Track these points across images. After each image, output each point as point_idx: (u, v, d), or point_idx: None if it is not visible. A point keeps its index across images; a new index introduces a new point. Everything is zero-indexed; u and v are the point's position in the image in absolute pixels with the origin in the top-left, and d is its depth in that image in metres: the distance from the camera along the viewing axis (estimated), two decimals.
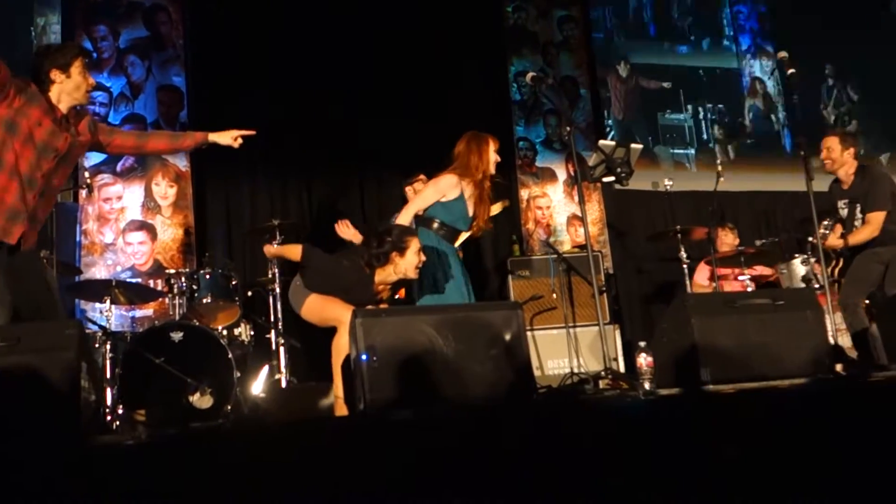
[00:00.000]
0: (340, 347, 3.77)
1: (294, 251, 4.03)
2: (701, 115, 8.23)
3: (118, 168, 6.12)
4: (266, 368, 5.10)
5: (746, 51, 8.59)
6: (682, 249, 6.21)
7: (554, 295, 5.88)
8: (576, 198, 7.04)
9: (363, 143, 6.72)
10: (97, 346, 4.57)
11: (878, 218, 4.88)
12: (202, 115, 6.34)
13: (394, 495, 1.93)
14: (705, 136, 8.22)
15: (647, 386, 3.25)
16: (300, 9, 6.76)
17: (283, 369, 5.08)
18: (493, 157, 4.38)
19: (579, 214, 6.49)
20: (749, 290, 5.96)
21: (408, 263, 3.93)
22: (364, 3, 6.87)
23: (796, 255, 6.20)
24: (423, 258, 4.00)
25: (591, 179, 4.81)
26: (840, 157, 5.07)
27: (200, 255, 6.01)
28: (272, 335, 5.22)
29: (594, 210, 7.41)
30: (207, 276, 5.05)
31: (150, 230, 6.12)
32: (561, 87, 7.66)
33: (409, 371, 2.98)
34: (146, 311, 5.87)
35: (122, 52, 6.37)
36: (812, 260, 5.91)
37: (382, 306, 4.14)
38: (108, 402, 4.37)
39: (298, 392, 4.84)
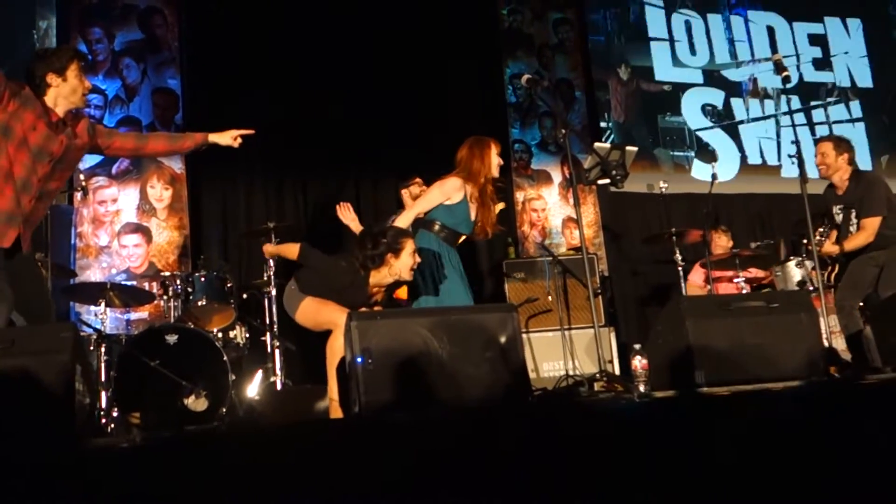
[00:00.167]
0: (335, 350, 3.77)
1: (292, 250, 4.04)
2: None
3: (113, 170, 6.11)
4: (261, 371, 5.10)
5: (752, 54, 8.60)
6: (677, 252, 6.22)
7: (549, 297, 5.88)
8: (571, 200, 7.06)
9: (359, 146, 6.72)
10: (92, 348, 4.56)
11: (873, 223, 4.88)
12: (197, 118, 6.33)
13: (389, 498, 1.93)
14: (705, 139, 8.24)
15: (641, 388, 3.26)
16: (296, 11, 6.76)
17: (278, 372, 5.07)
18: (495, 160, 4.39)
19: (575, 217, 6.51)
20: (744, 292, 5.97)
21: (402, 265, 3.93)
22: (360, 6, 6.87)
23: (791, 258, 6.22)
24: (419, 259, 4.00)
25: (587, 182, 4.82)
26: (834, 163, 5.07)
27: (195, 257, 6.00)
28: (267, 338, 5.22)
29: (589, 212, 7.42)
30: (202, 279, 5.05)
31: (145, 233, 6.11)
32: (556, 90, 7.68)
33: (404, 373, 2.98)
34: (141, 313, 5.86)
35: (117, 54, 6.36)
36: (807, 263, 5.93)
37: (377, 308, 4.13)
38: (103, 404, 4.36)
39: (293, 395, 4.84)
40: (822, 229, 5.05)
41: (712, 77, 8.40)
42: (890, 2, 9.28)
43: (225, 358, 4.47)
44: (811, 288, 5.65)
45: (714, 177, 6.30)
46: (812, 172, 5.11)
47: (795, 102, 8.36)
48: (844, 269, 5.08)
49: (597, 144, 4.80)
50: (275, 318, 5.24)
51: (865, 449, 2.17)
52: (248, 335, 5.20)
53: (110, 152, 3.83)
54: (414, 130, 6.74)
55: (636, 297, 7.46)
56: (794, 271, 6.09)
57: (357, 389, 2.97)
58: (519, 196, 7.34)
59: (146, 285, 5.51)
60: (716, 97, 8.35)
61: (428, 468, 2.00)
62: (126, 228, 6.09)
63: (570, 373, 5.35)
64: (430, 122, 6.83)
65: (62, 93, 3.40)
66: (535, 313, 5.86)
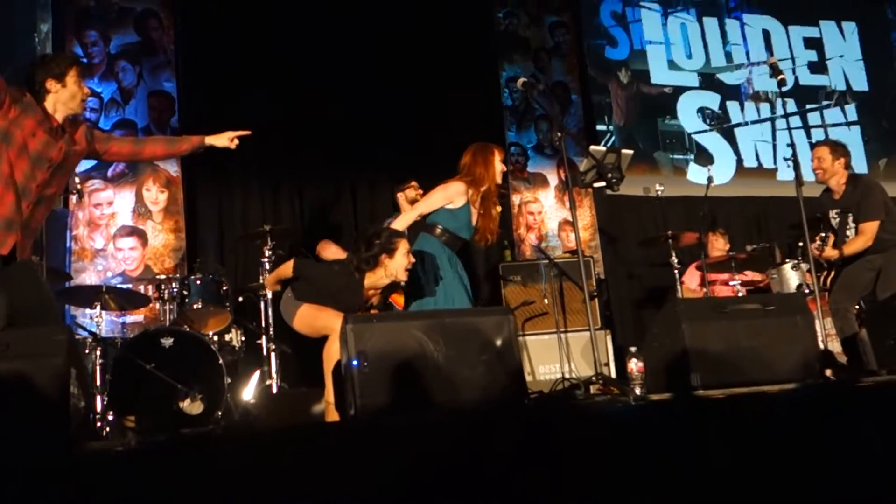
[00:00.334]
0: (332, 353, 3.76)
1: (286, 269, 4.03)
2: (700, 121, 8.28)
3: (109, 173, 6.10)
4: (257, 374, 5.09)
5: (748, 57, 8.63)
6: (674, 255, 6.23)
7: (545, 300, 5.88)
8: (567, 203, 7.06)
9: (355, 149, 6.72)
10: (87, 352, 4.55)
11: (871, 228, 4.89)
12: (193, 121, 6.32)
13: (385, 501, 1.93)
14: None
15: (637, 391, 3.26)
16: (291, 14, 6.76)
17: (273, 375, 5.07)
18: (499, 167, 4.40)
19: (571, 220, 6.51)
20: (740, 295, 5.98)
21: (397, 265, 3.93)
22: (356, 9, 6.88)
23: (787, 261, 6.22)
24: (413, 259, 4.00)
25: (583, 185, 4.83)
26: (831, 167, 5.08)
27: (191, 260, 5.99)
28: (263, 341, 5.21)
29: (585, 215, 7.43)
30: (198, 282, 5.05)
31: (141, 236, 6.10)
32: (552, 93, 7.69)
33: (400, 376, 2.97)
34: (137, 316, 5.85)
35: (112, 57, 6.35)
36: (803, 266, 5.94)
37: (373, 312, 4.13)
38: (98, 408, 4.35)
39: (289, 398, 4.83)
40: (822, 234, 5.05)
41: (708, 80, 8.42)
42: (888, 6, 9.31)
43: (220, 361, 4.46)
44: (807, 290, 5.66)
45: (710, 180, 6.32)
46: (808, 175, 5.12)
47: (791, 106, 8.38)
48: (840, 272, 5.09)
49: (592, 147, 4.81)
50: (270, 322, 5.23)
51: (861, 451, 2.17)
52: (243, 338, 5.19)
53: (108, 157, 3.83)
54: (410, 134, 6.74)
55: (632, 299, 7.47)
56: (791, 274, 6.10)
57: (353, 392, 2.96)
58: (515, 199, 7.34)
59: (142, 288, 5.51)
60: (711, 100, 8.36)
61: (423, 471, 2.00)
62: (121, 231, 6.07)
63: (566, 376, 5.35)
64: (426, 125, 6.84)
65: (61, 99, 3.41)
66: (531, 316, 5.86)
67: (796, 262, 6.06)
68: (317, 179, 6.74)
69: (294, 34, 6.74)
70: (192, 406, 4.32)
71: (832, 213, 5.14)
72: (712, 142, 8.22)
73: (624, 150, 4.77)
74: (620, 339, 6.67)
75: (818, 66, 8.85)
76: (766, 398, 2.80)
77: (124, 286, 5.63)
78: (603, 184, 4.60)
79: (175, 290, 5.02)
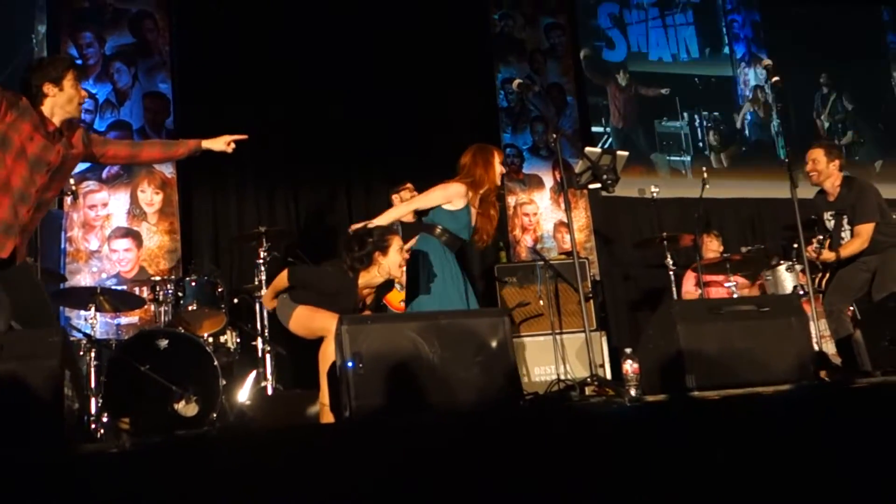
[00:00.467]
0: (328, 355, 3.76)
1: (281, 281, 4.01)
2: (697, 123, 8.29)
3: (104, 175, 6.08)
4: (252, 376, 5.08)
5: (741, 59, 8.65)
6: (669, 256, 6.24)
7: (541, 302, 5.89)
8: (562, 204, 7.06)
9: (351, 150, 6.72)
10: (82, 353, 4.54)
11: (867, 230, 4.89)
12: (188, 122, 6.32)
13: (380, 502, 1.93)
14: (701, 144, 8.28)
15: (632, 392, 3.26)
16: (287, 15, 6.76)
17: (269, 377, 5.06)
18: (498, 169, 4.39)
19: (566, 221, 6.52)
20: (735, 296, 5.99)
21: (391, 262, 3.93)
22: (351, 10, 6.88)
23: (781, 262, 6.24)
24: (407, 256, 3.99)
25: (578, 186, 4.82)
26: (826, 169, 5.08)
27: (186, 262, 5.98)
28: (258, 342, 5.20)
29: (581, 217, 7.44)
30: (193, 284, 5.04)
31: (136, 237, 6.09)
32: (548, 95, 7.70)
33: (395, 378, 2.97)
34: (131, 318, 5.84)
35: (107, 58, 6.34)
36: (797, 267, 5.95)
37: (367, 313, 4.12)
38: (93, 410, 4.34)
39: (284, 399, 4.82)
40: (820, 237, 5.06)
41: (704, 82, 8.44)
42: (883, 8, 9.35)
43: (216, 363, 4.46)
44: (801, 292, 5.67)
45: (705, 181, 6.32)
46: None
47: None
48: (834, 274, 5.10)
49: (587, 149, 4.80)
50: (266, 323, 5.22)
51: (856, 452, 2.18)
52: (238, 340, 5.18)
53: (105, 160, 3.84)
54: (406, 135, 6.74)
55: (627, 301, 7.48)
56: (785, 276, 6.11)
57: (347, 394, 2.96)
58: (510, 200, 7.34)
59: (136, 290, 5.49)
60: (707, 102, 8.38)
61: (419, 472, 2.00)
62: (116, 233, 6.06)
63: (562, 377, 5.35)
64: (421, 127, 6.84)
65: (58, 102, 3.41)
66: (526, 318, 5.86)
67: (791, 263, 6.07)
68: (312, 181, 6.74)
69: (289, 35, 6.74)
70: (187, 408, 4.31)
71: (827, 216, 5.14)
72: (705, 141, 8.25)
73: (619, 152, 4.78)
74: (616, 341, 6.67)
75: None
76: (761, 399, 2.81)
77: (119, 288, 5.62)
78: (598, 185, 4.60)
79: (170, 291, 5.01)
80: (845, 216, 5.03)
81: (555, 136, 4.59)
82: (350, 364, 2.97)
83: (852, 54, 8.97)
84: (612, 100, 8.00)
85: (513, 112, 7.57)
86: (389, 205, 5.56)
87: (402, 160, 6.44)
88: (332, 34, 6.83)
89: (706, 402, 2.92)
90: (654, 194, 6.47)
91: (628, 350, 3.39)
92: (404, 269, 4.07)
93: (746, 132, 8.47)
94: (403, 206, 4.41)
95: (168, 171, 6.25)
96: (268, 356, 5.10)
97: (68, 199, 5.81)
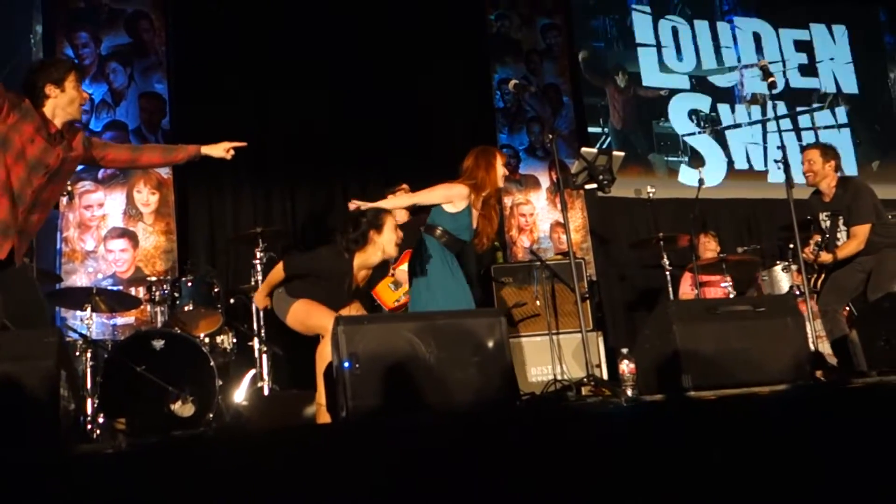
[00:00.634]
0: (325, 355, 3.75)
1: (276, 273, 4.00)
2: (695, 123, 8.30)
3: (100, 175, 6.07)
4: (248, 376, 5.08)
5: (739, 60, 8.66)
6: (665, 256, 6.24)
7: (537, 302, 5.88)
8: (559, 205, 7.07)
9: (347, 150, 6.71)
10: (78, 354, 4.53)
11: (863, 231, 4.90)
12: (184, 123, 6.32)
13: (377, 502, 1.93)
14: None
15: (629, 392, 3.27)
16: (283, 16, 6.75)
17: (265, 377, 5.06)
18: (500, 171, 4.41)
19: (562, 221, 6.53)
20: (731, 296, 6.00)
21: (386, 240, 3.93)
22: (347, 11, 6.88)
23: (777, 262, 6.25)
24: (401, 234, 4.00)
25: (574, 187, 4.83)
26: (822, 170, 5.09)
27: (182, 262, 5.97)
28: (255, 343, 5.20)
29: (577, 217, 7.44)
30: (189, 284, 5.03)
31: (132, 237, 6.08)
32: (544, 95, 7.70)
33: (391, 378, 2.97)
34: (127, 318, 5.83)
35: (103, 58, 6.33)
36: (793, 268, 5.96)
37: (357, 310, 4.10)
38: (89, 410, 4.33)
39: (281, 400, 4.82)
40: (818, 239, 5.06)
41: (699, 83, 8.45)
42: (880, 9, 9.37)
43: (212, 363, 4.45)
44: (797, 292, 5.68)
45: (701, 182, 6.34)
46: (798, 178, 5.14)
47: (781, 108, 8.41)
48: (830, 274, 5.10)
49: (583, 149, 4.81)
50: (262, 323, 5.22)
51: (852, 452, 2.18)
52: (235, 340, 5.18)
53: (105, 164, 3.85)
54: (402, 135, 6.74)
55: (624, 301, 7.49)
56: (781, 276, 6.12)
57: (344, 394, 2.96)
58: (507, 201, 7.34)
59: (132, 290, 5.49)
60: (703, 103, 8.40)
61: (415, 473, 2.00)
62: (112, 233, 6.05)
63: (558, 377, 5.36)
64: (418, 127, 6.84)
65: (60, 103, 3.41)
66: (523, 318, 5.86)
67: (787, 263, 6.08)
68: (308, 181, 6.73)
69: (285, 36, 6.73)
70: (183, 408, 4.31)
71: (822, 216, 5.15)
72: (703, 144, 8.25)
73: (615, 153, 4.78)
74: (612, 341, 6.68)
75: (808, 69, 8.90)
76: (757, 399, 2.82)
77: (115, 288, 5.61)
78: (594, 185, 4.61)
79: (166, 291, 5.00)
80: (841, 217, 5.03)
81: (551, 136, 4.60)
82: (346, 364, 2.97)
83: (851, 55, 9.00)
84: (611, 101, 8.02)
85: (509, 112, 7.58)
86: None
87: (398, 161, 6.44)
88: (329, 34, 6.82)
89: (702, 402, 2.93)
90: (651, 194, 6.48)
91: (625, 350, 3.40)
92: (396, 252, 4.07)
93: (746, 134, 8.48)
94: (406, 197, 4.43)
95: (164, 171, 6.23)
96: (264, 356, 5.10)
97: (64, 200, 5.79)
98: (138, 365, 4.28)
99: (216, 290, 5.11)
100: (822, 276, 5.18)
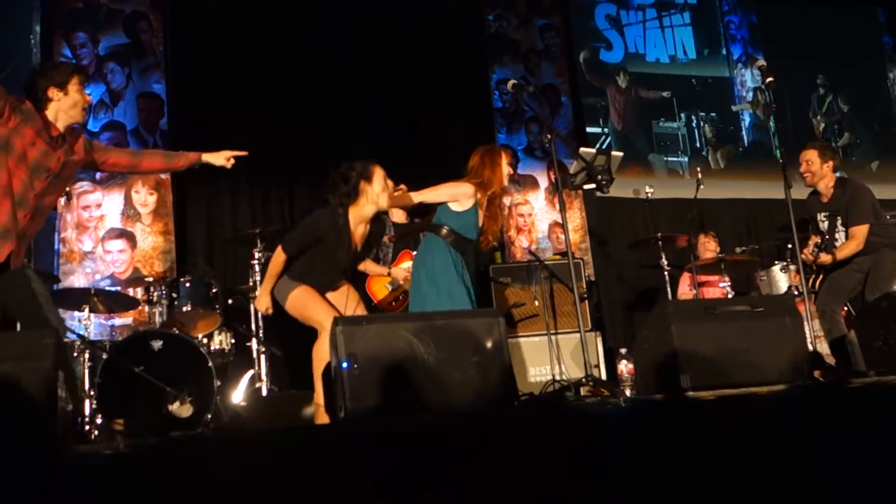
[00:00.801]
0: (321, 353, 3.75)
1: (278, 257, 3.94)
2: (694, 124, 8.31)
3: (97, 176, 6.07)
4: (247, 377, 5.08)
5: (738, 60, 8.68)
6: (663, 257, 6.25)
7: (536, 302, 5.88)
8: (557, 205, 7.07)
9: (346, 151, 6.68)
10: (76, 355, 4.53)
11: (862, 231, 4.89)
12: (182, 123, 6.32)
13: (375, 503, 1.93)
14: (698, 144, 8.30)
15: (627, 392, 3.27)
16: (281, 16, 6.75)
17: (263, 377, 5.06)
18: (506, 171, 4.42)
19: (561, 222, 6.53)
20: (730, 297, 6.00)
21: (377, 190, 3.92)
22: (346, 12, 6.88)
23: (776, 263, 6.25)
24: (391, 184, 3.99)
25: (572, 187, 4.83)
26: (819, 170, 5.08)
27: (180, 263, 5.97)
28: (253, 343, 5.20)
29: (576, 217, 7.44)
30: (187, 284, 5.03)
31: (130, 238, 6.08)
32: (542, 95, 7.70)
33: (390, 379, 2.97)
34: (125, 319, 5.83)
35: (101, 59, 6.33)
36: (791, 268, 5.96)
37: (352, 296, 4.08)
38: (87, 411, 4.33)
39: (279, 400, 4.82)
40: (818, 241, 5.06)
41: (700, 82, 8.46)
42: (879, 9, 9.38)
43: (210, 364, 4.45)
44: (796, 292, 5.68)
45: (699, 182, 6.34)
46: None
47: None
48: (828, 275, 5.11)
49: (582, 150, 4.81)
50: (260, 324, 5.22)
51: (850, 452, 2.18)
52: (233, 341, 5.18)
53: (106, 168, 3.84)
54: (400, 136, 6.73)
55: (622, 301, 7.49)
56: (780, 276, 6.12)
57: (343, 395, 2.96)
58: (506, 201, 7.34)
59: (130, 291, 5.48)
60: (701, 103, 8.41)
61: (414, 473, 1.99)
62: (110, 234, 6.05)
63: (557, 377, 5.36)
64: (417, 127, 6.84)
65: (63, 107, 3.41)
66: (521, 318, 5.86)
67: (785, 263, 6.09)
68: (306, 181, 6.73)
69: (283, 36, 6.74)
70: (181, 409, 4.30)
71: (820, 217, 5.15)
72: (701, 143, 8.27)
73: (613, 153, 4.78)
74: (611, 341, 6.68)
75: None
76: (755, 400, 2.81)
77: (113, 289, 5.61)
78: (593, 186, 4.60)
79: (164, 292, 5.00)
80: (839, 217, 5.03)
81: (549, 136, 4.60)
82: (345, 365, 2.97)
83: (849, 55, 9.00)
84: (612, 102, 8.03)
85: (507, 113, 7.58)
86: None
87: (396, 161, 6.41)
88: (327, 35, 6.82)
89: (701, 402, 2.92)
90: (649, 195, 6.48)
91: (623, 350, 3.41)
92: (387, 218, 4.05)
93: (745, 133, 8.49)
94: (411, 194, 4.42)
95: None
96: (262, 357, 5.10)
97: (62, 200, 5.78)
98: (136, 365, 4.28)
99: (214, 290, 5.11)
100: (821, 276, 5.18)
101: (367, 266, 5.30)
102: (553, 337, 5.73)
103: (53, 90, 3.38)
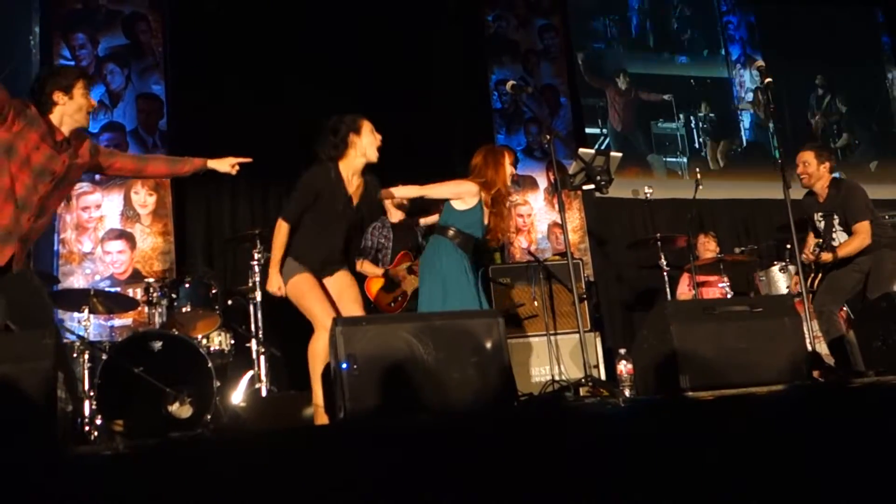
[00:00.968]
0: (315, 352, 3.75)
1: (281, 230, 3.87)
2: (693, 124, 8.31)
3: (97, 176, 6.07)
4: (246, 377, 5.08)
5: (736, 60, 8.68)
6: (663, 257, 6.25)
7: (535, 303, 5.88)
8: (556, 206, 7.07)
9: None
10: (75, 355, 4.53)
11: (864, 227, 4.91)
12: (182, 124, 6.32)
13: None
14: (697, 145, 8.31)
15: (627, 393, 3.27)
16: (280, 17, 6.75)
17: (263, 378, 5.05)
18: (508, 170, 4.44)
19: (560, 222, 6.53)
20: (729, 297, 6.01)
21: (366, 143, 3.96)
22: (345, 12, 6.88)
23: (775, 263, 6.25)
24: (379, 137, 4.00)
25: (571, 187, 4.84)
26: (816, 171, 5.10)
27: (180, 263, 5.97)
28: (252, 344, 5.19)
29: (575, 218, 7.44)
30: (187, 285, 5.03)
31: (129, 239, 6.08)
32: (541, 96, 7.71)
33: (389, 379, 2.97)
34: (125, 320, 5.83)
35: (101, 60, 6.33)
36: (790, 268, 5.97)
37: (350, 284, 4.05)
38: (86, 412, 4.33)
39: (279, 401, 4.82)
40: (819, 241, 5.07)
41: (698, 83, 8.46)
42: (878, 10, 9.39)
43: (209, 364, 4.45)
44: (795, 293, 5.68)
45: (698, 182, 6.35)
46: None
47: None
48: (826, 275, 5.11)
49: (581, 150, 4.81)
50: (260, 325, 5.21)
51: (849, 453, 2.18)
52: (233, 341, 5.18)
53: (111, 172, 3.85)
54: (399, 136, 6.71)
55: (621, 302, 7.49)
56: (778, 276, 6.13)
57: (342, 395, 2.96)
58: None
59: (130, 292, 5.48)
60: (700, 103, 8.41)
61: (414, 474, 1.99)
62: (110, 234, 6.05)
63: (556, 378, 5.36)
64: (415, 128, 6.83)
65: (67, 111, 3.41)
66: (521, 318, 5.86)
67: (784, 264, 6.09)
68: None
69: (282, 37, 6.74)
70: (181, 410, 4.30)
71: (817, 217, 5.16)
72: (701, 143, 8.27)
73: (612, 153, 4.79)
74: (610, 342, 6.69)
75: None
76: (754, 400, 2.81)
77: (112, 289, 5.61)
78: (592, 186, 4.61)
79: (163, 293, 5.00)
80: (836, 217, 5.04)
81: (548, 137, 4.61)
82: (344, 365, 2.97)
83: (847, 56, 9.01)
84: (611, 103, 8.03)
85: (507, 113, 7.58)
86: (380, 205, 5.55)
87: (395, 161, 6.41)
88: (326, 35, 6.82)
89: (700, 402, 2.92)
90: (648, 195, 6.48)
91: (622, 351, 3.41)
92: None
93: (745, 134, 8.49)
94: (414, 189, 4.43)
95: None
96: (262, 358, 5.09)
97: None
98: (136, 366, 4.28)
99: (214, 291, 5.11)
100: (820, 276, 5.19)
101: (365, 267, 5.32)
102: (552, 337, 5.73)
103: (59, 94, 3.38)
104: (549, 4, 8.02)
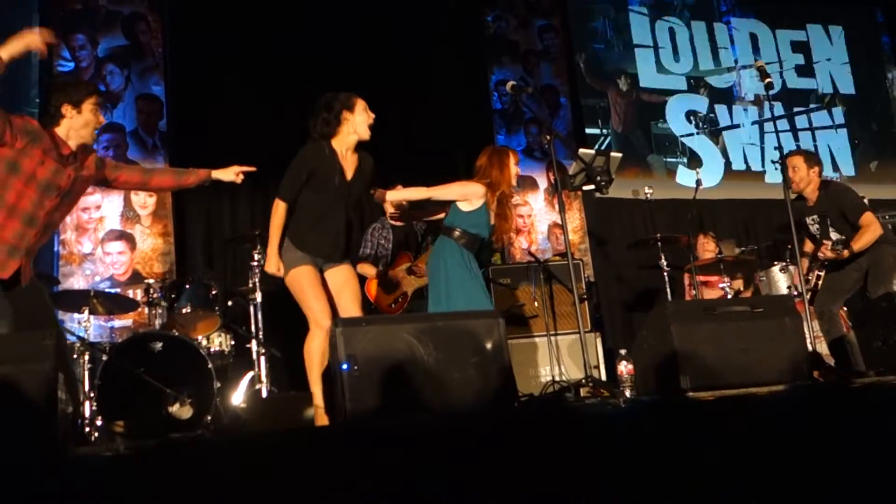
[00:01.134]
0: (311, 351, 3.75)
1: (278, 210, 3.90)
2: (693, 124, 8.31)
3: None
4: (247, 378, 5.08)
5: (737, 60, 8.68)
6: (663, 257, 6.25)
7: (535, 303, 5.88)
8: (556, 206, 7.07)
9: None
10: (75, 356, 4.53)
11: (870, 217, 4.93)
12: (182, 125, 6.31)
13: None
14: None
15: (627, 393, 3.27)
16: (279, 17, 6.75)
17: (263, 379, 5.05)
18: (513, 170, 4.45)
19: (560, 222, 6.53)
20: (729, 297, 6.00)
21: (359, 120, 3.93)
22: (345, 11, 6.88)
23: (775, 263, 6.25)
24: (372, 115, 3.97)
25: (572, 188, 4.84)
26: (806, 176, 5.12)
27: (180, 264, 5.97)
28: (252, 345, 5.19)
29: (575, 218, 7.44)
30: (187, 286, 5.03)
31: (129, 240, 6.08)
32: (541, 96, 7.71)
33: (390, 380, 2.97)
34: (125, 321, 5.82)
35: (100, 60, 6.33)
36: (791, 268, 5.97)
37: (349, 275, 4.03)
38: (87, 413, 4.33)
39: (279, 402, 4.82)
40: (834, 239, 5.07)
41: (697, 84, 8.47)
42: (877, 10, 9.39)
43: (210, 365, 4.45)
44: (795, 293, 5.68)
45: (698, 182, 6.35)
46: None
47: (778, 109, 8.42)
48: (826, 275, 5.12)
49: (581, 150, 4.81)
50: (260, 325, 5.21)
51: (850, 452, 2.18)
52: (233, 342, 5.18)
53: (116, 185, 3.85)
54: (399, 137, 6.74)
55: (622, 302, 7.49)
56: (779, 276, 6.13)
57: (342, 396, 2.96)
58: None
59: (130, 293, 5.48)
60: (700, 104, 8.41)
61: (414, 474, 1.99)
62: (110, 235, 6.05)
63: (557, 378, 5.36)
64: (415, 128, 6.84)
65: (74, 125, 3.39)
66: (521, 319, 5.86)
67: (784, 264, 6.09)
68: None
69: (282, 37, 6.73)
70: (181, 411, 4.31)
71: (809, 220, 5.18)
72: (701, 145, 8.26)
73: (613, 154, 4.78)
74: (610, 342, 6.69)
75: (805, 70, 8.92)
76: (755, 400, 2.82)
77: (113, 290, 5.61)
78: (592, 187, 4.61)
79: (164, 294, 5.00)
80: (829, 217, 5.06)
81: (549, 137, 4.61)
82: (345, 366, 2.97)
83: (847, 56, 9.02)
84: (612, 104, 8.04)
85: (507, 114, 7.58)
86: (381, 207, 5.56)
87: (395, 162, 6.43)
88: (326, 36, 6.82)
89: (701, 402, 2.92)
90: (648, 195, 6.48)
91: (623, 351, 3.41)
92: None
93: (744, 134, 8.50)
94: (420, 190, 4.42)
95: None
96: (262, 358, 5.09)
97: None
98: (136, 367, 4.28)
99: (214, 292, 5.11)
100: (822, 277, 5.19)
101: (365, 269, 5.33)
102: (552, 338, 5.73)
103: (68, 107, 3.36)
104: (548, 5, 8.02)
